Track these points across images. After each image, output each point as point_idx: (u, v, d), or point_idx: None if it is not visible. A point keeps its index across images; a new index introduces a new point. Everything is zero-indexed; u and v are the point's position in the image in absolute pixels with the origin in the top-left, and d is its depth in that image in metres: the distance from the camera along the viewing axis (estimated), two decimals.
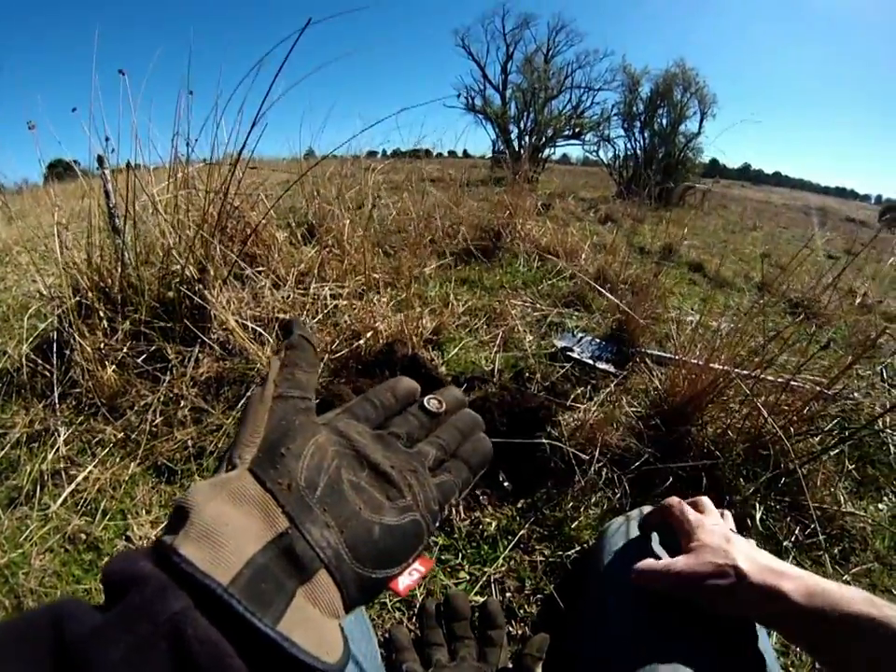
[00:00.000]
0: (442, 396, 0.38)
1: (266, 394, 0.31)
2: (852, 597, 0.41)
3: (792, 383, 1.23)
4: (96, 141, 1.56)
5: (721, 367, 1.24)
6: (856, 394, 1.45)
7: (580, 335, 1.77)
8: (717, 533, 0.51)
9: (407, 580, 0.36)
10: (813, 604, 0.42)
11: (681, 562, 0.49)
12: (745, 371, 1.23)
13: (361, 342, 1.50)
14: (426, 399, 0.38)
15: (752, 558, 0.47)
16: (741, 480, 1.12)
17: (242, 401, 1.32)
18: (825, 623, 0.41)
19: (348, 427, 0.32)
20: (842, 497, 1.12)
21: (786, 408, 1.23)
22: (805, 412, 1.22)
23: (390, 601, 0.83)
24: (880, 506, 1.17)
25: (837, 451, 1.21)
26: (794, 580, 0.44)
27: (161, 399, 1.31)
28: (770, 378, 1.28)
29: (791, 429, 1.17)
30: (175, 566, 0.20)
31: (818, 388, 1.25)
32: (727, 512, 0.59)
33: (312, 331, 0.34)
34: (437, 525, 0.33)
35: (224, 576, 0.21)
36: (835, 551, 1.03)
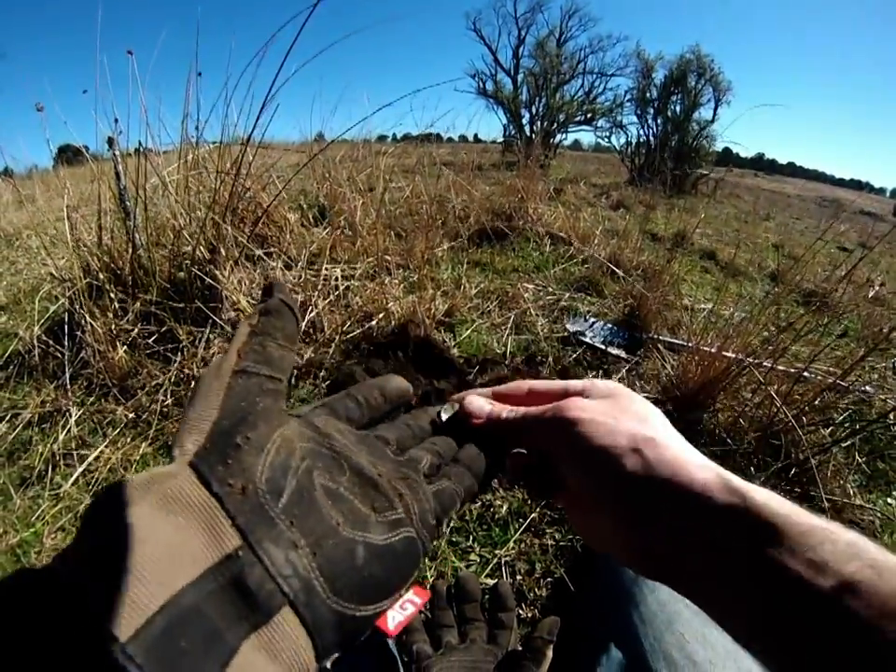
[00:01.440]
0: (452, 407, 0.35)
1: (225, 366, 0.24)
2: (847, 550, 0.22)
3: (805, 373, 1.22)
4: (105, 124, 1.56)
5: (734, 355, 1.23)
6: (868, 387, 1.44)
7: (591, 320, 1.76)
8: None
9: (398, 615, 0.30)
10: (796, 538, 0.22)
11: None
12: (757, 360, 1.22)
13: (373, 323, 1.50)
14: (438, 410, 0.34)
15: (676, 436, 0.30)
16: (752, 469, 1.12)
17: None
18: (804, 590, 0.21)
19: (326, 424, 0.26)
20: (851, 490, 1.12)
21: (798, 398, 1.22)
22: (816, 403, 1.21)
23: None
24: (889, 500, 1.16)
25: (848, 443, 1.21)
26: (750, 484, 0.26)
27: (172, 380, 1.31)
28: (783, 368, 1.27)
29: (804, 420, 1.17)
30: (69, 604, 0.15)
31: (830, 380, 1.24)
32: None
33: (296, 302, 0.26)
34: (436, 541, 0.26)
35: (126, 626, 0.14)
36: None
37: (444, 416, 0.34)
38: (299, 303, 1.55)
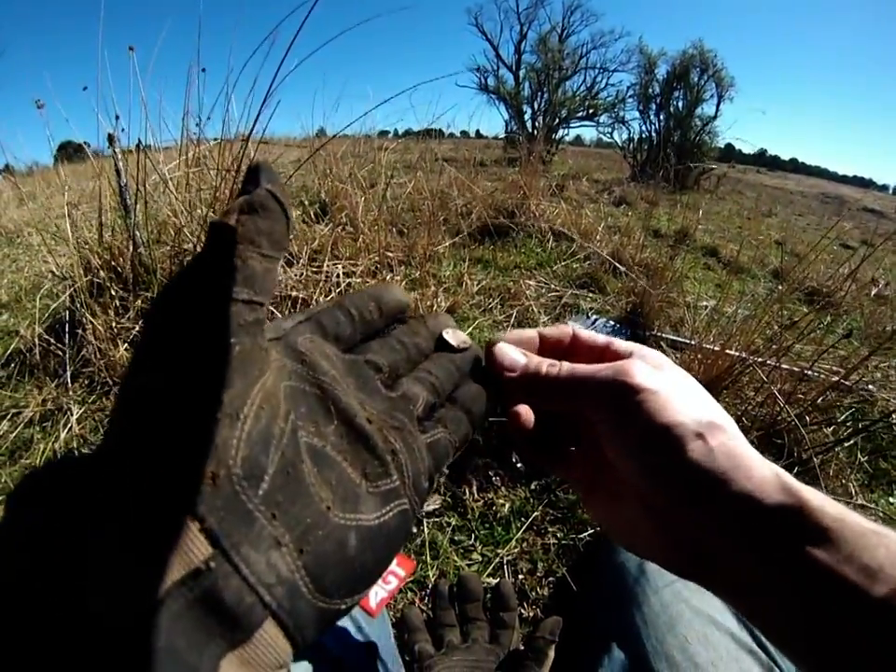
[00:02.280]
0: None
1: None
2: None
3: (808, 372, 1.22)
4: (106, 120, 1.55)
5: (736, 353, 1.23)
6: (871, 386, 1.43)
7: (594, 317, 1.76)
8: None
9: (381, 591, 0.26)
10: (852, 543, 0.21)
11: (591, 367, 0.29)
12: (761, 359, 1.22)
13: None
14: (444, 330, 0.29)
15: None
16: None
17: None
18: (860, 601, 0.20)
19: (313, 349, 0.22)
20: (854, 489, 1.12)
21: (801, 397, 1.22)
22: (819, 402, 1.21)
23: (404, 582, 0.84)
24: (891, 499, 1.16)
25: (851, 442, 1.20)
26: (805, 486, 0.24)
27: None
28: (786, 366, 1.27)
29: (807, 418, 1.16)
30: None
31: (833, 379, 1.24)
32: None
33: (289, 192, 0.19)
34: (423, 507, 0.21)
35: None
36: None
37: (452, 341, 0.29)
38: (300, 301, 1.55)
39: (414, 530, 0.92)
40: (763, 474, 0.24)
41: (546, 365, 0.30)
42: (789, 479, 0.24)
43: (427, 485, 0.23)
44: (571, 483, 0.35)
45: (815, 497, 0.23)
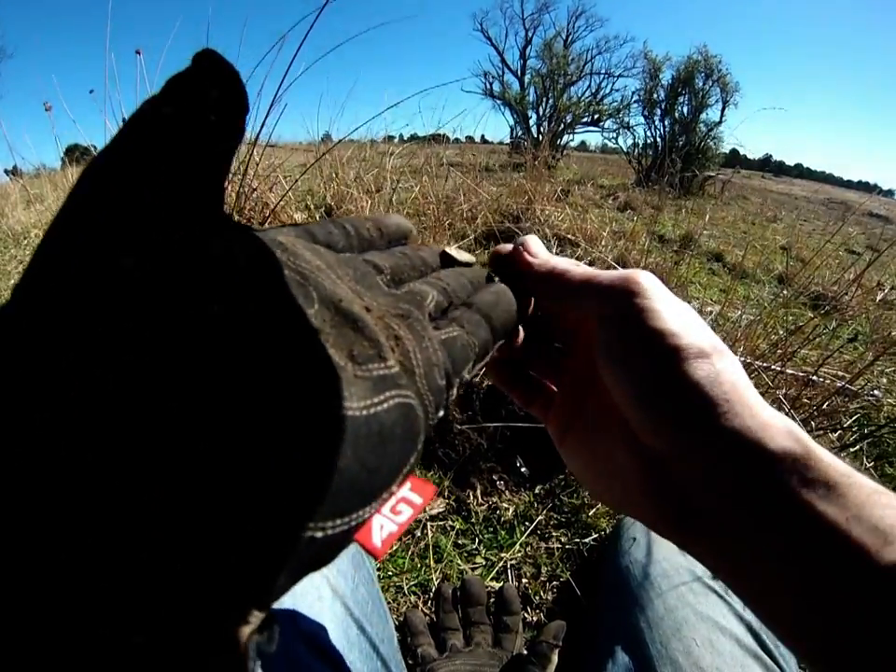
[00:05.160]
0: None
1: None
2: None
3: (814, 377, 1.21)
4: (112, 123, 1.57)
5: (742, 358, 1.22)
6: (877, 391, 1.43)
7: None
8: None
9: (390, 524, 0.20)
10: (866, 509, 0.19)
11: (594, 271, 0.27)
12: (766, 364, 1.21)
13: None
14: (448, 248, 0.26)
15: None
16: None
17: None
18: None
19: (295, 241, 0.18)
20: None
21: (807, 402, 1.21)
22: (825, 407, 1.20)
23: (406, 584, 0.83)
24: None
25: (857, 448, 1.20)
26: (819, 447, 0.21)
27: None
28: (791, 371, 1.26)
29: (812, 424, 1.16)
30: None
31: (839, 384, 1.23)
32: None
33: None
34: (442, 411, 0.18)
35: None
36: None
37: (458, 257, 0.26)
38: None
39: (419, 532, 0.92)
40: (769, 415, 0.21)
41: (564, 262, 0.28)
42: (797, 428, 0.21)
43: (444, 384, 0.18)
44: (547, 420, 0.32)
45: (824, 451, 0.20)
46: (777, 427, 0.21)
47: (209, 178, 0.16)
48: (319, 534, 0.13)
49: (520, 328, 0.28)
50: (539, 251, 0.29)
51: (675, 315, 0.24)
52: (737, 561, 0.21)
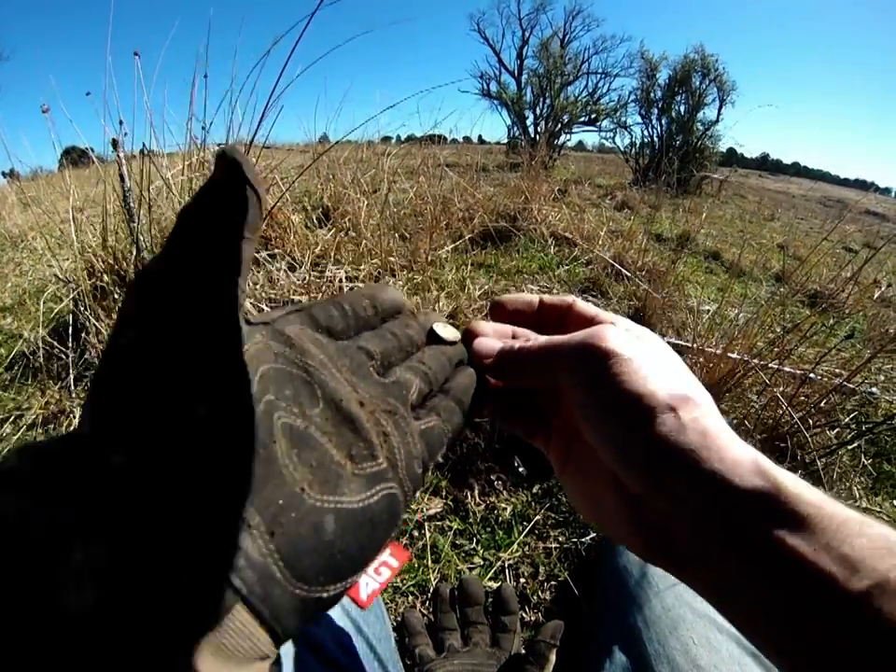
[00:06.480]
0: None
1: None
2: (884, 544, 0.19)
3: (811, 375, 1.21)
4: (110, 125, 1.56)
5: (739, 356, 1.23)
6: (874, 388, 1.43)
7: None
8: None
9: (373, 583, 0.26)
10: (830, 531, 0.20)
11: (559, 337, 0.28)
12: (763, 362, 1.21)
13: None
14: (435, 324, 0.29)
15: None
16: None
17: None
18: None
19: (301, 334, 0.21)
20: (857, 492, 1.11)
21: (804, 399, 1.21)
22: (822, 404, 1.21)
23: (403, 584, 0.83)
24: (895, 502, 1.15)
25: (854, 445, 1.20)
26: (788, 476, 0.22)
27: None
28: (788, 369, 1.26)
29: (809, 421, 1.16)
30: None
31: (836, 381, 1.24)
32: None
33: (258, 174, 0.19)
34: (418, 492, 0.22)
35: None
36: None
37: (443, 334, 0.29)
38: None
39: (416, 533, 0.92)
40: (737, 455, 0.23)
41: (520, 342, 0.29)
42: (766, 463, 0.22)
43: (421, 472, 0.22)
44: (548, 452, 0.34)
45: (793, 483, 0.21)
46: (745, 466, 0.22)
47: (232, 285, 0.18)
48: (325, 595, 0.18)
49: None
50: (489, 349, 0.30)
51: (644, 372, 0.25)
52: (720, 592, 0.23)
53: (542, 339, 0.29)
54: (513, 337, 0.33)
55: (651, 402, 0.24)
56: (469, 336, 0.31)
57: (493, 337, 0.32)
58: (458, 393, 0.27)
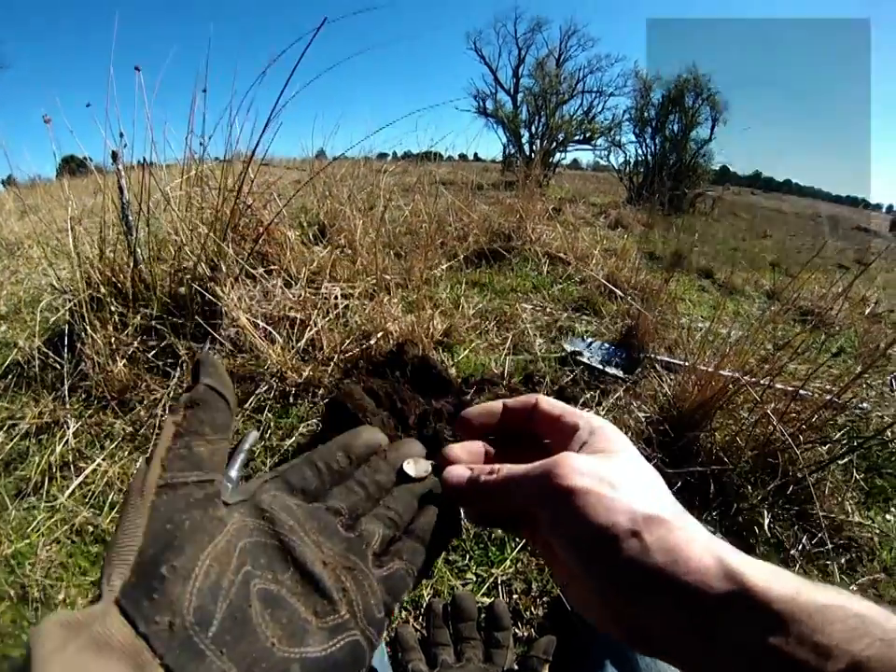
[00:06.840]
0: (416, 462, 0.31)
1: (149, 480, 0.22)
2: (857, 626, 0.21)
3: (802, 391, 1.23)
4: (110, 137, 1.58)
5: (730, 374, 1.24)
6: (865, 404, 1.44)
7: (589, 340, 1.77)
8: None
9: None
10: (803, 618, 0.22)
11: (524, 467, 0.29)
12: (754, 379, 1.22)
13: (372, 342, 1.50)
14: (405, 462, 0.31)
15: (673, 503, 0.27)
16: (749, 487, 1.12)
17: (251, 399, 1.32)
18: None
19: (274, 503, 0.25)
20: (850, 507, 1.12)
21: (795, 416, 1.22)
22: (814, 420, 1.22)
23: None
24: (888, 517, 1.16)
25: (846, 460, 1.21)
26: (753, 564, 0.24)
27: (171, 395, 1.31)
28: (779, 386, 1.27)
29: (800, 438, 1.17)
30: None
31: (827, 397, 1.25)
32: None
33: (227, 376, 0.26)
34: (384, 634, 0.25)
35: None
36: (842, 560, 1.03)
37: (412, 473, 0.31)
38: (298, 322, 1.56)
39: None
40: (702, 564, 0.24)
41: (484, 474, 0.30)
42: (732, 562, 0.24)
43: (383, 616, 0.25)
44: (534, 546, 0.35)
45: (761, 579, 0.23)
46: (712, 573, 0.23)
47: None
48: None
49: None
50: (458, 478, 0.31)
51: (606, 503, 0.26)
52: None
53: (504, 471, 0.29)
54: (486, 454, 0.34)
55: (613, 532, 0.25)
56: (441, 462, 0.32)
57: (465, 459, 0.33)
58: (421, 532, 0.29)
